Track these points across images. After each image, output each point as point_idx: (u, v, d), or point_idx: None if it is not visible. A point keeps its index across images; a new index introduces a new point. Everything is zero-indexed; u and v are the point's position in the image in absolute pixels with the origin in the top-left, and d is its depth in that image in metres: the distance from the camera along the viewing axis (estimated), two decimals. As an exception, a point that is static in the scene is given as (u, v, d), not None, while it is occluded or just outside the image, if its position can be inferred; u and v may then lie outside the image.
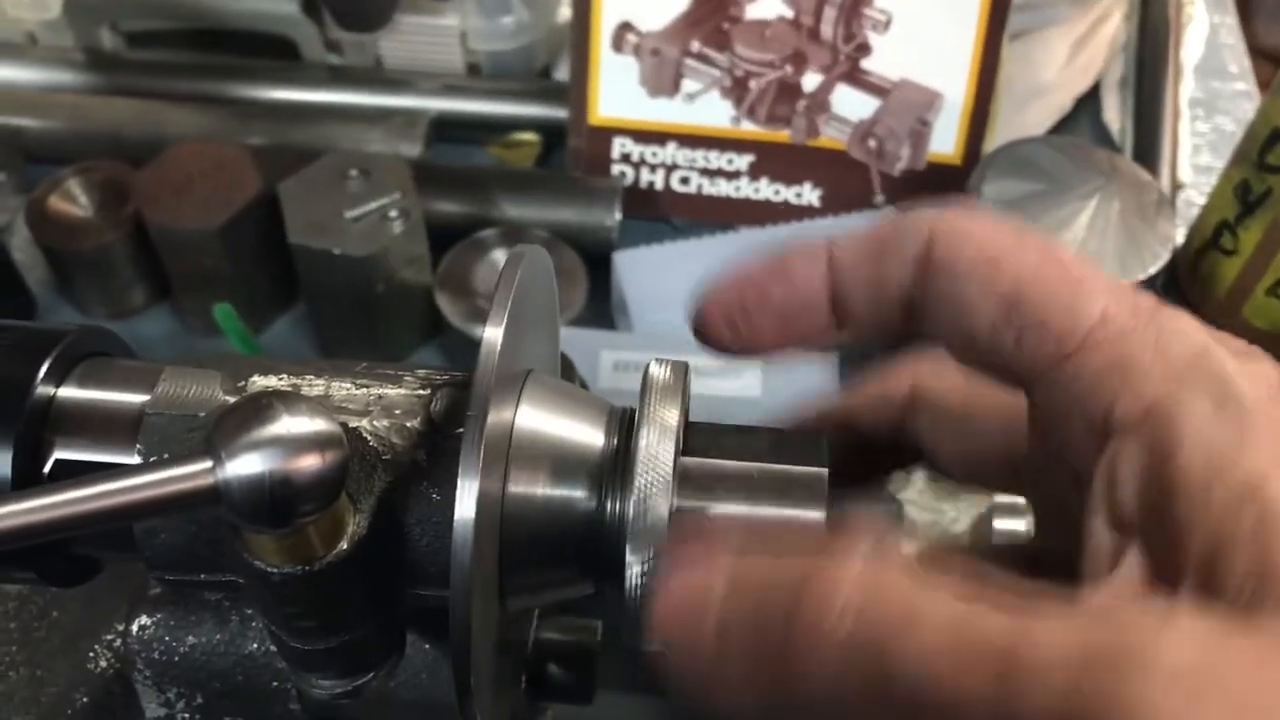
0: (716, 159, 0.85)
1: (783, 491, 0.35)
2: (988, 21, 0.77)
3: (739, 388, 0.73)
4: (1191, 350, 0.27)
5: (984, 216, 0.32)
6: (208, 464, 0.29)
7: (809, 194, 0.86)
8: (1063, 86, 0.92)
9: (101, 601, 0.48)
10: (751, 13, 0.80)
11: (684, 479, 0.35)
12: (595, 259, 0.81)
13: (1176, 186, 0.91)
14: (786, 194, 0.86)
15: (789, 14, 0.79)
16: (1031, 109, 0.89)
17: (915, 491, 0.63)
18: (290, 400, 0.30)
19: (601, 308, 0.81)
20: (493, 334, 0.32)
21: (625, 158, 0.85)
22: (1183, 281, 0.85)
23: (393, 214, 0.73)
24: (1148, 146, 0.90)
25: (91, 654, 0.46)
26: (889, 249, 0.32)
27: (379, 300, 0.74)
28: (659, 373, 0.36)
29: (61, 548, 0.37)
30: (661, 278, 0.79)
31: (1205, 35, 1.01)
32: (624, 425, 0.36)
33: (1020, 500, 0.64)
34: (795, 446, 0.36)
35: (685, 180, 0.86)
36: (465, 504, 0.31)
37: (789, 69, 0.81)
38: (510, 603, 0.36)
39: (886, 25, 0.78)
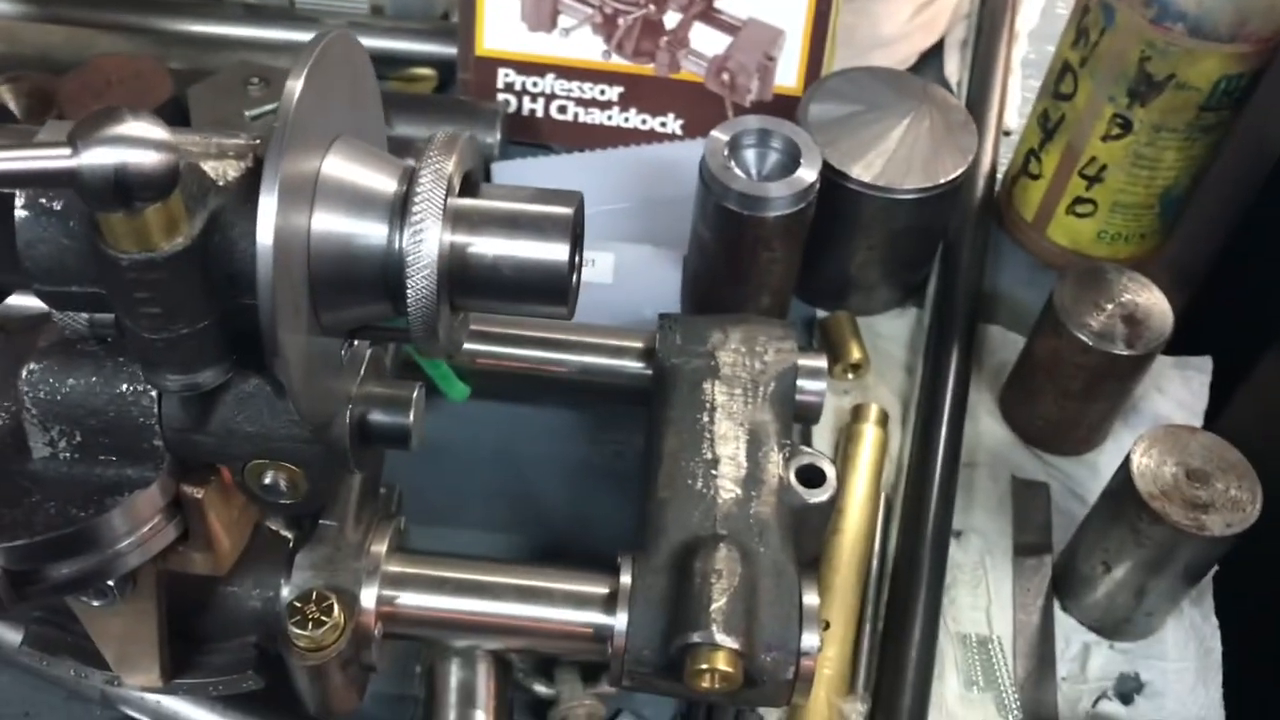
0: (590, 90, 0.95)
1: (536, 226, 0.45)
2: (822, -34, 0.88)
3: (591, 274, 0.82)
4: None
5: None
6: (67, 150, 0.38)
7: (672, 123, 0.96)
8: (905, 39, 1.03)
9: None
10: (619, -44, 0.90)
11: (456, 217, 0.44)
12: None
13: (1005, 131, 1.02)
14: (653, 123, 0.96)
15: (652, -42, 0.90)
16: (875, 59, 1.00)
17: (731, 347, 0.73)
18: (137, 112, 0.39)
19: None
20: (292, 84, 0.41)
21: (509, 87, 0.95)
22: (1001, 208, 0.96)
23: (288, 115, 0.82)
24: (980, 97, 1.01)
25: (-10, 416, 0.54)
26: None
27: (275, 194, 0.83)
28: (441, 136, 0.45)
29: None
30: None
31: (1042, 5, 1.13)
32: (413, 175, 0.45)
33: (821, 362, 0.74)
34: (551, 196, 0.46)
35: (563, 109, 0.96)
36: (265, 212, 0.40)
37: (652, 7, 0.91)
38: (324, 317, 0.45)
39: (736, -31, 0.89)
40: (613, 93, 0.95)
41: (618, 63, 0.94)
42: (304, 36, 0.99)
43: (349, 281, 0.44)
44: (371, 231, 0.44)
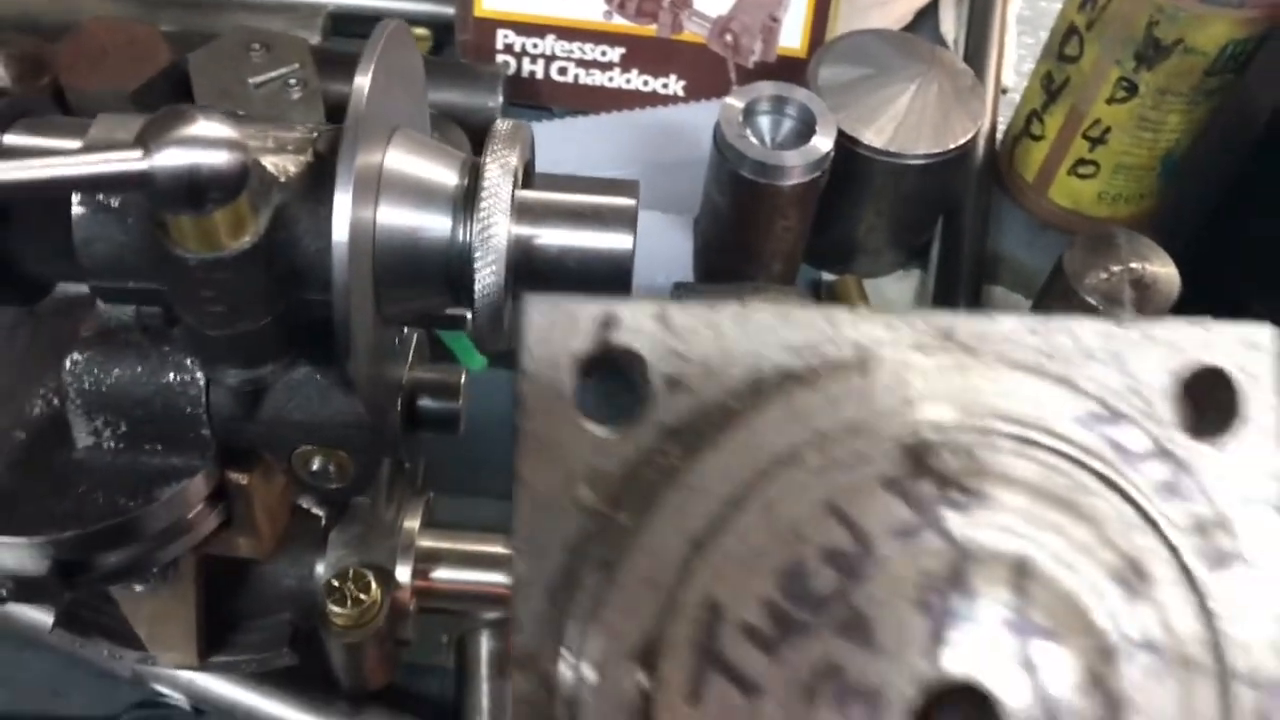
0: (591, 51, 0.94)
1: (600, 219, 0.45)
2: (828, -74, 0.87)
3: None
4: None
5: None
6: (139, 153, 0.37)
7: (674, 85, 0.95)
8: (903, -2, 1.02)
9: (31, 368, 0.55)
10: (621, -85, 0.89)
11: (521, 209, 0.44)
12: (480, 138, 0.89)
13: (1002, 90, 1.02)
14: (654, 85, 0.95)
15: (655, -83, 0.88)
16: (873, 17, 1.00)
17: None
18: (207, 111, 0.38)
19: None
20: (361, 80, 0.41)
21: (508, 48, 0.94)
22: (1001, 168, 0.97)
23: (292, 82, 0.80)
24: (977, 54, 1.01)
25: (27, 405, 0.54)
26: None
27: (280, 162, 0.82)
28: (502, 126, 0.45)
29: (11, 269, 0.45)
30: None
31: (1035, -39, 1.13)
32: (475, 168, 0.45)
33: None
34: (613, 186, 0.46)
35: (563, 71, 0.95)
36: (341, 209, 0.39)
37: (655, -32, 0.90)
38: (386, 309, 0.45)
39: (740, -71, 0.88)
40: (614, 54, 0.94)
41: (619, 23, 0.93)
42: (296, -4, 0.98)
43: (413, 274, 0.44)
44: (436, 224, 0.44)
